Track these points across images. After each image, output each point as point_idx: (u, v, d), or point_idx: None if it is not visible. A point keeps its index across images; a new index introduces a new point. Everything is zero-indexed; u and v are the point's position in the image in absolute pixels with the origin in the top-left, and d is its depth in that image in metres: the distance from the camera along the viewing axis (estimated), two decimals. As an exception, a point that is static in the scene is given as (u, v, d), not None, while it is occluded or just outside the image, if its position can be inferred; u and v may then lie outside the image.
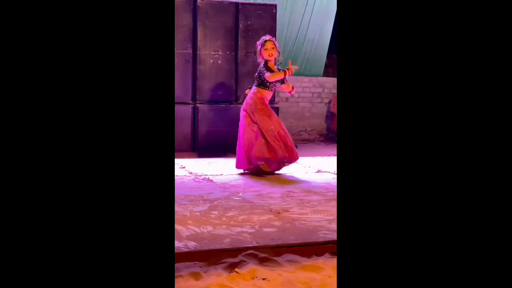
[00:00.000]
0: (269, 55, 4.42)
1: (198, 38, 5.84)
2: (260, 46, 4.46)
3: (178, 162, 5.03)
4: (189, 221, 2.67)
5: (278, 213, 2.93)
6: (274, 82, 4.45)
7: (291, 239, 2.37)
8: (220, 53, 5.95)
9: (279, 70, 4.46)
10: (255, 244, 2.26)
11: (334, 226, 2.64)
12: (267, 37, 4.48)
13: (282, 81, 4.54)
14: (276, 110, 6.07)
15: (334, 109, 8.27)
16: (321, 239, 2.37)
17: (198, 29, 5.84)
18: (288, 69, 4.38)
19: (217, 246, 2.23)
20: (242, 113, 4.51)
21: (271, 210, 3.00)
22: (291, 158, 4.42)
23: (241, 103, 6.01)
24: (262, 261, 2.11)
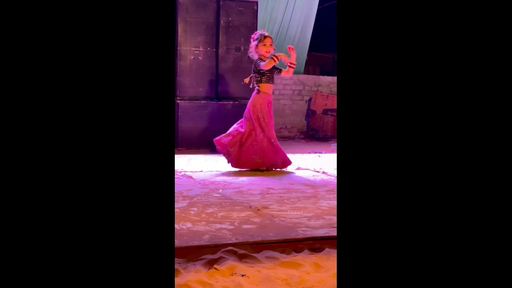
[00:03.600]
0: (266, 52, 4.39)
1: (179, 34, 5.81)
2: (257, 41, 4.40)
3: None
4: (168, 218, 2.66)
5: (258, 210, 2.93)
6: (272, 73, 4.42)
7: (271, 235, 2.38)
8: (200, 49, 5.92)
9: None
10: (234, 241, 2.26)
11: (313, 223, 2.65)
12: (265, 32, 4.44)
13: (280, 71, 4.51)
14: (257, 107, 6.08)
15: (314, 106, 8.30)
16: (300, 236, 2.38)
17: (179, 25, 5.80)
18: (276, 56, 4.38)
19: (196, 242, 2.22)
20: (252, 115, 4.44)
21: (250, 207, 3.00)
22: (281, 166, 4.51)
23: (221, 99, 6.01)
24: (241, 257, 2.11)
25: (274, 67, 4.44)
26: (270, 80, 4.46)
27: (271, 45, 4.40)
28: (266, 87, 4.45)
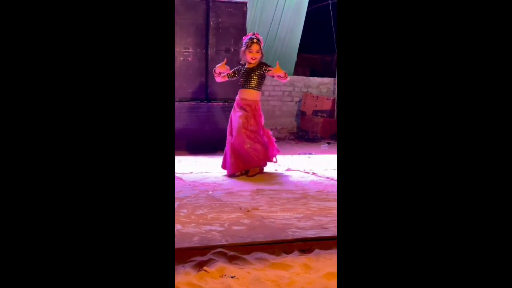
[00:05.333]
0: (251, 58, 4.30)
1: (168, 35, 5.79)
2: (244, 47, 4.31)
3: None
4: (158, 220, 2.65)
5: (248, 211, 2.93)
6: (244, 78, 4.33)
7: (260, 237, 2.37)
8: (190, 50, 5.91)
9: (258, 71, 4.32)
10: (224, 243, 2.26)
11: (303, 224, 2.66)
12: (255, 37, 4.31)
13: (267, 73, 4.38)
14: (247, 108, 6.07)
15: (304, 107, 8.32)
16: (290, 237, 2.38)
17: (168, 26, 5.78)
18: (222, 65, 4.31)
19: (185, 244, 2.21)
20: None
21: (240, 208, 3.00)
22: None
23: (211, 101, 6.01)
24: (231, 259, 2.11)
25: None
26: (243, 86, 4.37)
27: (257, 51, 4.29)
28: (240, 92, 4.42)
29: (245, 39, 4.37)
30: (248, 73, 4.33)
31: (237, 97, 4.42)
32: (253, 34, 4.37)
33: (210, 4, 5.94)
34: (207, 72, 5.98)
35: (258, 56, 4.31)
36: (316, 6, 8.96)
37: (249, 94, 4.35)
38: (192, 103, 5.92)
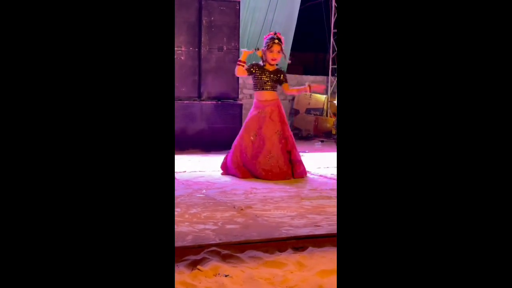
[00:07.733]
0: (272, 59, 4.22)
1: (161, 34, 5.77)
2: (265, 47, 4.22)
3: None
4: (151, 219, 2.64)
5: (241, 209, 2.93)
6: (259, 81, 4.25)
7: (254, 235, 2.38)
8: (183, 49, 5.90)
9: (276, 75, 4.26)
10: (218, 241, 2.26)
11: (296, 222, 2.66)
12: (276, 37, 4.22)
13: (280, 83, 4.31)
14: (240, 106, 6.07)
15: (297, 106, 8.32)
16: (283, 235, 2.39)
17: (161, 25, 5.76)
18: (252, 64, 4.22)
19: (179, 243, 2.21)
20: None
21: (234, 207, 3.00)
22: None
23: (205, 100, 6.00)
24: (225, 258, 2.11)
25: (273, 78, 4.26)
26: (259, 87, 4.29)
27: (278, 52, 4.20)
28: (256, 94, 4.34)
29: (266, 39, 4.27)
30: (266, 76, 4.23)
31: (255, 100, 4.32)
32: (274, 34, 4.26)
33: (203, 3, 5.92)
34: (200, 71, 5.97)
35: (279, 57, 4.24)
36: (309, 4, 8.97)
37: (268, 95, 4.25)
38: (185, 101, 5.91)
